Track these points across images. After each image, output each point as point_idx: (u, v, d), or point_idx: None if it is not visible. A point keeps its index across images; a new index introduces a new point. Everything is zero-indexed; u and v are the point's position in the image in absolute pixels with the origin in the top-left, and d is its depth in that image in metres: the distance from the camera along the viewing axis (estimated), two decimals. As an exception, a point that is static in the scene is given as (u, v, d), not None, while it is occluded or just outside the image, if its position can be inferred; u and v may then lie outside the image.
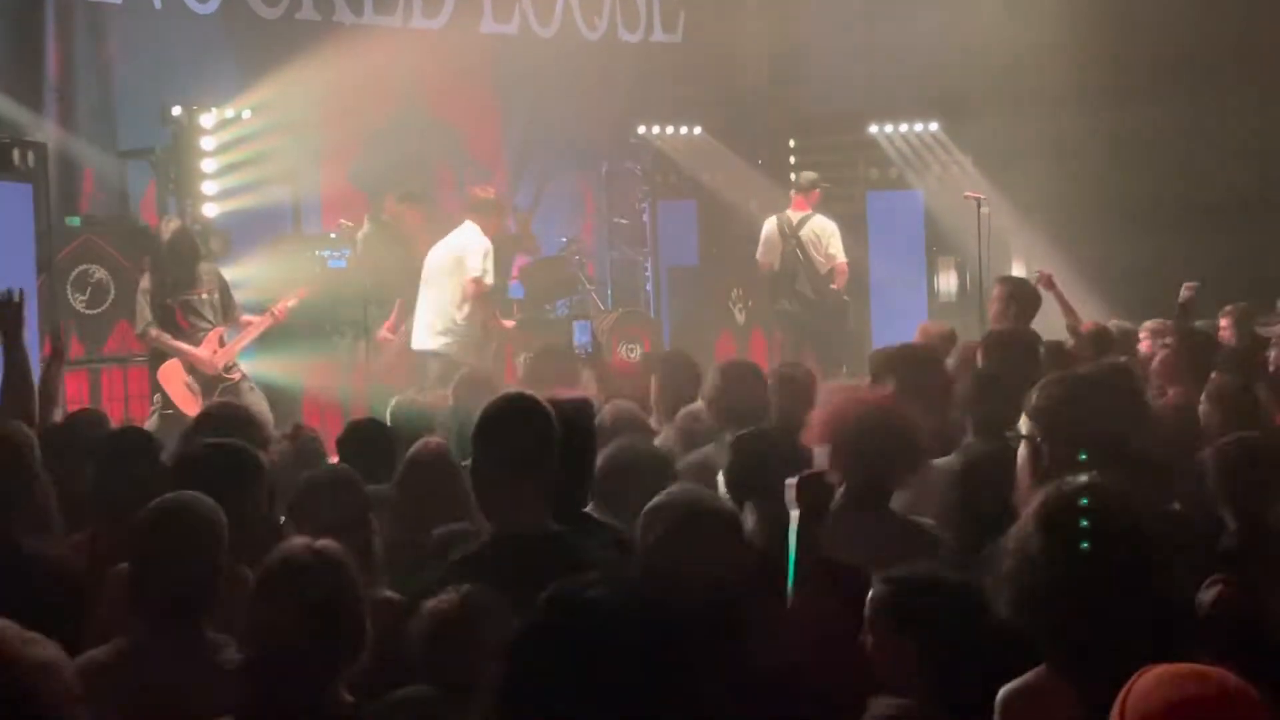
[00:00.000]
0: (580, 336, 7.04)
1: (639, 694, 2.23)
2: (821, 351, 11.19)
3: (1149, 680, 2.37)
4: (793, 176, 12.55)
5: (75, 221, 10.47)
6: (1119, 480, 3.02)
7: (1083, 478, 3.01)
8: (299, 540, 3.21)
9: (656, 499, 3.64)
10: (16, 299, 5.58)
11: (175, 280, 9.32)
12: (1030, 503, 3.08)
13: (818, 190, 11.82)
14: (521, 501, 3.76)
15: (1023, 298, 8.13)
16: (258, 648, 3.08)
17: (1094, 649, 2.82)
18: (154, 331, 9.30)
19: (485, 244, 9.75)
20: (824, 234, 11.64)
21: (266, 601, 3.11)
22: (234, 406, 6.04)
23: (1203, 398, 5.61)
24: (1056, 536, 2.90)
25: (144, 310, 9.34)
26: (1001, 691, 2.97)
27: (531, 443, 3.80)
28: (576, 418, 4.11)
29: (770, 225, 11.73)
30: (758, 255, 11.83)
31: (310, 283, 10.02)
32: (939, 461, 4.99)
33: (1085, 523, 2.89)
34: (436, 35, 12.59)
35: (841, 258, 11.62)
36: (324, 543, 3.16)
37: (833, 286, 11.64)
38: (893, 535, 4.31)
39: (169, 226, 9.75)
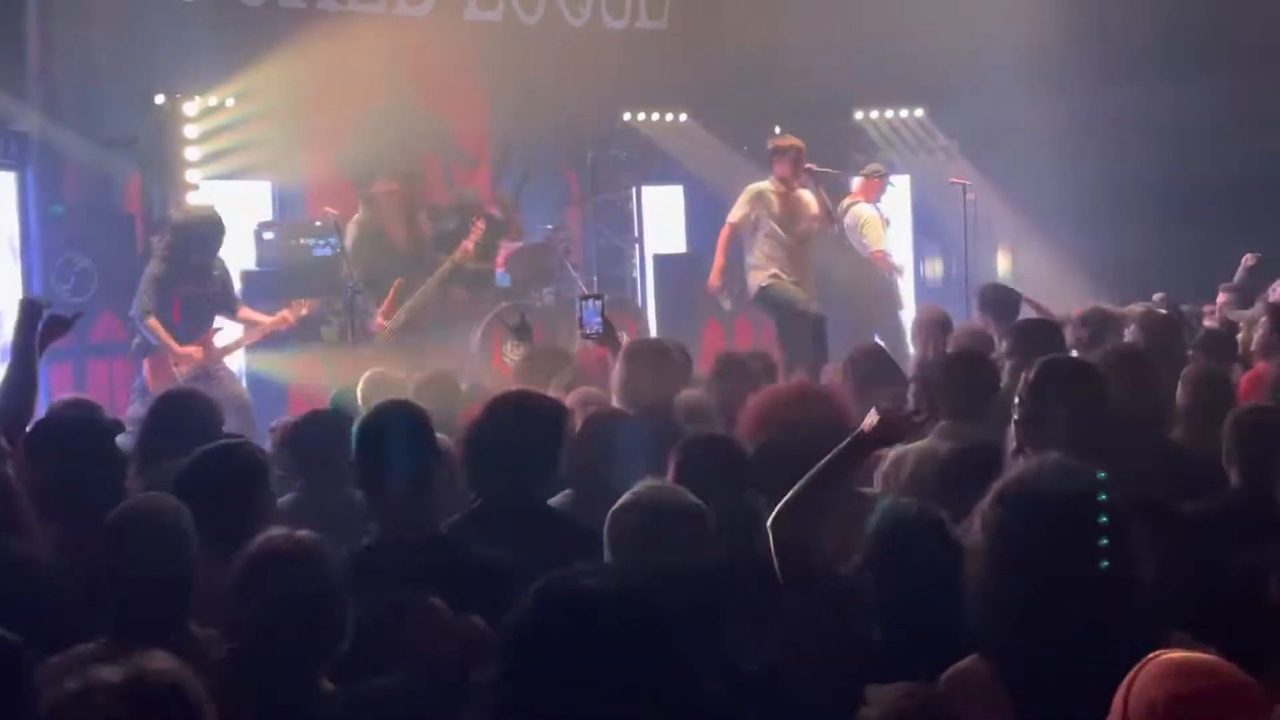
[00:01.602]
0: (590, 316, 6.91)
1: (630, 681, 2.24)
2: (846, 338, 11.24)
3: (1155, 669, 2.38)
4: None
5: (58, 210, 10.44)
6: (1081, 467, 3.01)
7: (1036, 464, 3.01)
8: (280, 531, 3.21)
9: (623, 498, 3.66)
10: (70, 320, 5.69)
11: (186, 272, 9.21)
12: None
13: (876, 180, 11.92)
14: (408, 508, 3.96)
15: (1002, 304, 8.23)
16: (241, 638, 3.09)
17: (1028, 641, 2.82)
18: (152, 321, 9.17)
19: (749, 189, 10.69)
20: (858, 221, 11.72)
21: (249, 592, 3.12)
22: (192, 394, 6.04)
23: (1179, 382, 5.66)
24: (999, 524, 2.91)
25: (146, 297, 9.15)
26: (942, 677, 2.98)
27: (415, 452, 4.01)
28: (546, 418, 4.42)
29: None
30: None
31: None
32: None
33: (1031, 511, 2.89)
34: (421, 22, 12.55)
35: (874, 246, 11.68)
36: (305, 533, 3.17)
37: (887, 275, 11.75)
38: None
39: (191, 209, 9.66)
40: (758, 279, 10.60)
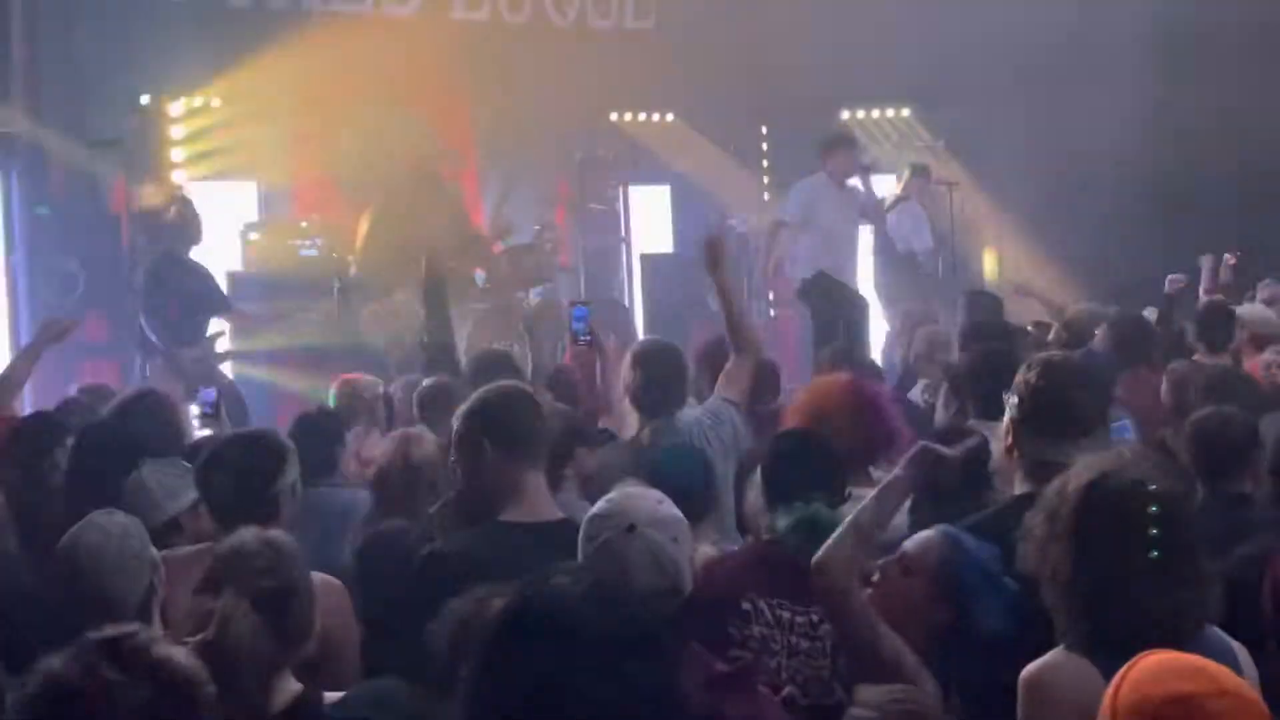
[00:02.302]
0: (578, 323, 6.88)
1: (606, 681, 2.24)
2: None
3: (1145, 670, 2.38)
4: None
5: (44, 211, 10.43)
6: (1148, 461, 3.07)
7: (1111, 458, 3.05)
8: (248, 530, 3.23)
9: (598, 504, 3.62)
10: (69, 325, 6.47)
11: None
12: (1054, 484, 3.11)
13: (912, 177, 12.03)
14: (534, 489, 3.92)
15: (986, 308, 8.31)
16: (205, 633, 3.09)
17: (1123, 630, 2.87)
18: None
19: (798, 184, 10.91)
20: (905, 222, 11.88)
21: (216, 590, 3.13)
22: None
23: (1163, 382, 5.68)
24: (1096, 518, 2.97)
25: None
26: (1025, 672, 3.02)
27: (536, 431, 3.98)
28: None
29: None
30: None
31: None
32: None
33: (1128, 505, 2.96)
34: (407, 22, 12.55)
35: (926, 242, 11.81)
36: (273, 532, 3.19)
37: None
38: None
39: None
40: (803, 271, 10.71)
